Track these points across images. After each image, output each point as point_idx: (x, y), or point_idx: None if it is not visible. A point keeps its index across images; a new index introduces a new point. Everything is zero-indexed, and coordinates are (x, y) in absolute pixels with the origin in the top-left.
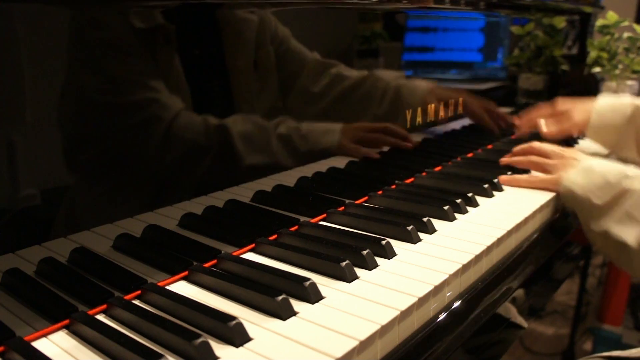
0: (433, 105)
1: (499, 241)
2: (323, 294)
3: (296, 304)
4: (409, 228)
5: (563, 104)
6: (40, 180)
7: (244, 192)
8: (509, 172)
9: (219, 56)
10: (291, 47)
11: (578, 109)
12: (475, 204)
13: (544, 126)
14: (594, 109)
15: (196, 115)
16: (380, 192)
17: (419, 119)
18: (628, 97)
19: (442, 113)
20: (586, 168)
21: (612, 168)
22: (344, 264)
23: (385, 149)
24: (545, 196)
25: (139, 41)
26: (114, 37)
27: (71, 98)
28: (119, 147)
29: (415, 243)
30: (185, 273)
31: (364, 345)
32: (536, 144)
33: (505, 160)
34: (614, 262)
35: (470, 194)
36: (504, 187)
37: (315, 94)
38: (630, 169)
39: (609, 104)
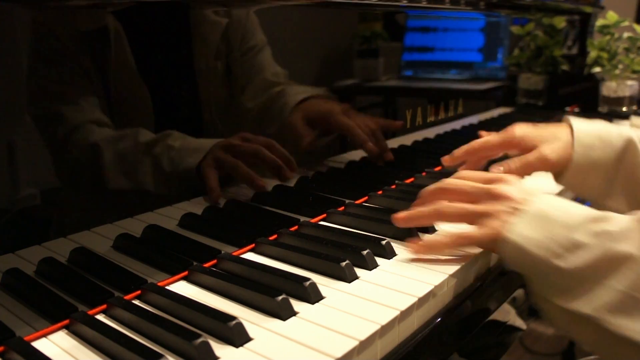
0: (428, 106)
1: None
2: (323, 294)
3: (296, 304)
4: (410, 228)
5: (520, 129)
6: (40, 180)
7: (244, 192)
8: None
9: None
10: (254, 60)
11: (547, 140)
12: None
13: (500, 165)
14: (576, 139)
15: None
16: (380, 192)
17: (419, 119)
18: (611, 127)
19: (442, 113)
20: (539, 215)
21: (575, 215)
22: (344, 264)
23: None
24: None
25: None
26: (58, 41)
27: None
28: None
29: None
30: (185, 273)
31: (364, 345)
32: (450, 182)
33: (401, 216)
34: (589, 349)
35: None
36: None
37: (248, 109)
38: (604, 217)
39: (594, 133)
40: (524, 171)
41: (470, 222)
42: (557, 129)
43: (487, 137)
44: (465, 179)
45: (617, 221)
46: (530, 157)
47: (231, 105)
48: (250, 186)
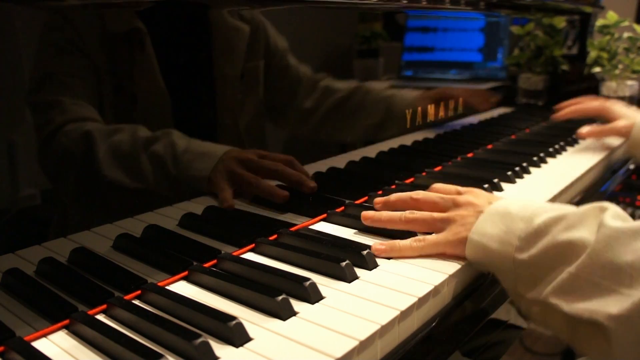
0: (432, 105)
1: None
2: (323, 294)
3: (296, 304)
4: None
5: (614, 103)
6: (40, 180)
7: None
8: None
9: (204, 62)
10: (288, 63)
11: (627, 115)
12: None
13: (584, 128)
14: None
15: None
16: (380, 192)
17: (419, 119)
18: None
19: (442, 113)
20: (500, 212)
21: (535, 209)
22: (344, 264)
23: (385, 147)
24: (559, 185)
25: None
26: (74, 40)
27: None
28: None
29: None
30: (185, 273)
31: (364, 345)
32: (421, 193)
33: (369, 215)
34: (563, 339)
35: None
36: (504, 185)
37: (307, 109)
38: (560, 208)
39: None
40: (601, 134)
41: (437, 231)
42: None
43: (588, 103)
44: (437, 191)
45: (574, 210)
46: (609, 126)
47: (293, 110)
48: (272, 199)
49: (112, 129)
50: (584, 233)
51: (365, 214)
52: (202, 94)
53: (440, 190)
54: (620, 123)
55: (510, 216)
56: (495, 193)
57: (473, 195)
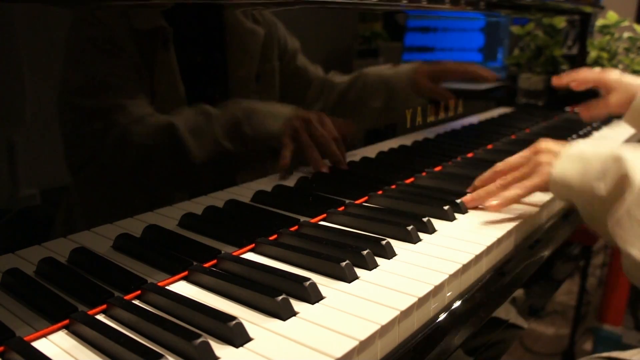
0: (428, 106)
1: (499, 241)
2: (323, 294)
3: (296, 304)
4: (409, 228)
5: (613, 74)
6: (40, 180)
7: (244, 192)
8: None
9: (219, 62)
10: (298, 64)
11: (622, 88)
12: None
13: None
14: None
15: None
16: (380, 192)
17: (419, 119)
18: None
19: (442, 113)
20: (576, 154)
21: (604, 150)
22: (344, 264)
23: (385, 147)
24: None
25: (136, 42)
26: (110, 37)
27: (64, 97)
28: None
29: (415, 243)
30: (185, 273)
31: (364, 345)
32: (498, 165)
33: (469, 199)
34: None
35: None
36: None
37: (321, 109)
38: (619, 149)
39: None
40: (598, 111)
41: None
42: (634, 82)
43: (588, 73)
44: (510, 161)
45: (627, 149)
46: (605, 101)
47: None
48: (313, 167)
49: (187, 113)
50: (634, 174)
51: (467, 198)
52: (217, 95)
53: (508, 161)
54: (612, 98)
55: (585, 157)
56: None
57: (546, 142)
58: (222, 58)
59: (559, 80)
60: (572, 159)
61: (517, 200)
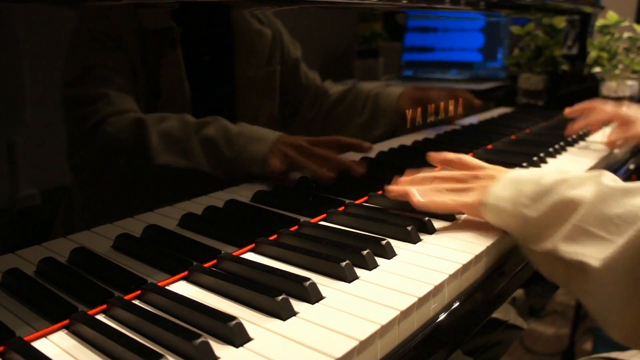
0: (428, 106)
1: (499, 241)
2: (323, 294)
3: (296, 304)
4: (409, 228)
5: (629, 109)
6: (40, 180)
7: (244, 192)
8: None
9: (224, 62)
10: (299, 72)
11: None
12: None
13: (607, 135)
14: None
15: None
16: (380, 192)
17: (419, 119)
18: None
19: (442, 113)
20: (512, 179)
21: (543, 174)
22: (344, 264)
23: (385, 147)
24: None
25: (137, 42)
26: (111, 37)
27: (64, 97)
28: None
29: (415, 243)
30: (185, 273)
31: (364, 345)
32: (441, 171)
33: (390, 189)
34: (563, 287)
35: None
36: None
37: (309, 118)
38: (566, 172)
39: None
40: (624, 143)
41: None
42: None
43: (599, 113)
44: (464, 163)
45: (577, 174)
46: (630, 132)
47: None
48: (320, 180)
49: (163, 116)
50: (584, 191)
51: (391, 187)
52: (223, 96)
53: (466, 164)
54: (638, 127)
55: (520, 181)
56: None
57: (494, 169)
58: (229, 59)
59: (575, 130)
60: (507, 183)
61: (445, 209)
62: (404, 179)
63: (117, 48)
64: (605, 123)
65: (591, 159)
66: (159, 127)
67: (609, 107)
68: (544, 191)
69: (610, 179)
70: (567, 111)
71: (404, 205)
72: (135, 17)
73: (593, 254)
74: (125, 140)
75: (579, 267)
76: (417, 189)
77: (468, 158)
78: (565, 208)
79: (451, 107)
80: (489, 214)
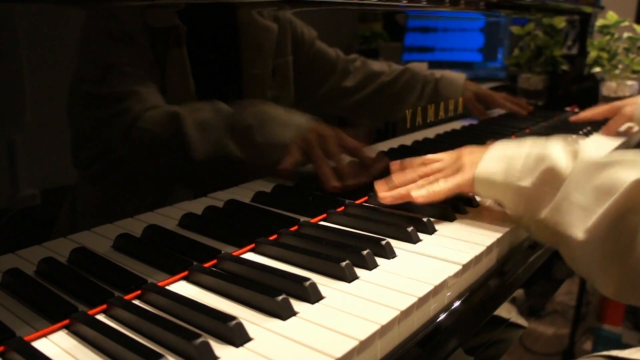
0: (428, 106)
1: (499, 242)
2: (323, 294)
3: (296, 304)
4: (409, 228)
5: (619, 101)
6: (40, 180)
7: (244, 192)
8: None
9: (232, 60)
10: (316, 50)
11: (628, 102)
12: (476, 204)
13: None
14: None
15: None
16: None
17: (419, 119)
18: None
19: (442, 113)
20: (499, 154)
21: (524, 147)
22: (344, 264)
23: (385, 147)
24: None
25: (138, 42)
26: (112, 36)
27: (64, 97)
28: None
29: (415, 243)
30: (185, 273)
31: (364, 345)
32: (421, 167)
33: (385, 196)
34: (557, 248)
35: (470, 195)
36: None
37: (349, 88)
38: (540, 147)
39: None
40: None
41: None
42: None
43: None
44: (433, 165)
45: (556, 149)
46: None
47: (330, 91)
48: (324, 184)
49: (197, 107)
50: (569, 164)
51: (383, 194)
52: (229, 93)
53: (429, 167)
54: (625, 110)
55: (508, 155)
56: None
57: (469, 148)
58: (236, 55)
59: (578, 119)
60: (495, 158)
61: (444, 194)
62: (394, 183)
63: (117, 49)
64: (604, 116)
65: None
66: (198, 118)
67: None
68: (533, 162)
69: (588, 154)
70: (574, 119)
71: (404, 206)
72: (134, 18)
73: (577, 224)
74: (150, 143)
75: (566, 237)
76: (411, 187)
77: (438, 155)
78: (554, 179)
79: (451, 106)
80: (481, 188)
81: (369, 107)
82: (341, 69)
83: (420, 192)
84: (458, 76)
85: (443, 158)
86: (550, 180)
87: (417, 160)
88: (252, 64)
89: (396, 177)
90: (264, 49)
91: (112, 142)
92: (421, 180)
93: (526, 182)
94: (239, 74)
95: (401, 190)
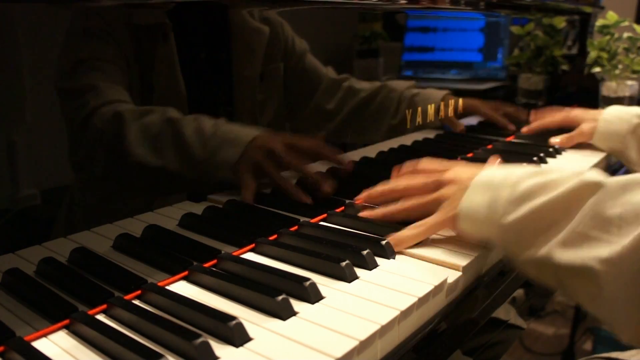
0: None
1: None
2: (323, 294)
3: (296, 304)
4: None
5: (575, 111)
6: (40, 180)
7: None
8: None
9: (222, 61)
10: (306, 65)
11: (587, 118)
12: None
13: (557, 138)
14: (601, 116)
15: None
16: None
17: (419, 119)
18: (636, 109)
19: (442, 113)
20: (484, 182)
21: (520, 174)
22: (344, 264)
23: (385, 147)
24: None
25: (139, 42)
26: (111, 36)
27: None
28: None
29: None
30: (185, 273)
31: (364, 345)
32: (395, 186)
33: (367, 214)
34: (562, 292)
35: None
36: None
37: (330, 110)
38: (545, 173)
39: (615, 112)
40: (570, 142)
41: (431, 212)
42: (596, 112)
43: (553, 116)
44: (422, 171)
45: (558, 175)
46: (575, 132)
47: (313, 110)
48: (295, 199)
49: (143, 110)
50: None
51: (363, 214)
52: (219, 93)
53: (425, 170)
54: (584, 127)
55: (494, 184)
56: None
57: (456, 171)
58: (227, 57)
59: (527, 131)
60: (479, 188)
61: (411, 243)
62: (361, 197)
63: (116, 49)
64: (557, 126)
65: (590, 159)
66: (139, 122)
67: (559, 113)
68: (522, 195)
69: (597, 175)
70: (526, 130)
71: None
72: (135, 18)
73: (595, 257)
74: (150, 143)
75: (580, 272)
76: (384, 212)
77: (423, 164)
78: (552, 212)
79: (451, 107)
80: (464, 225)
81: (348, 126)
82: (325, 88)
83: (394, 235)
84: (435, 93)
85: (430, 169)
86: (546, 214)
87: (408, 168)
88: (241, 66)
89: (376, 193)
90: (252, 51)
91: (105, 150)
92: (400, 204)
93: (512, 217)
94: (225, 76)
95: (378, 212)
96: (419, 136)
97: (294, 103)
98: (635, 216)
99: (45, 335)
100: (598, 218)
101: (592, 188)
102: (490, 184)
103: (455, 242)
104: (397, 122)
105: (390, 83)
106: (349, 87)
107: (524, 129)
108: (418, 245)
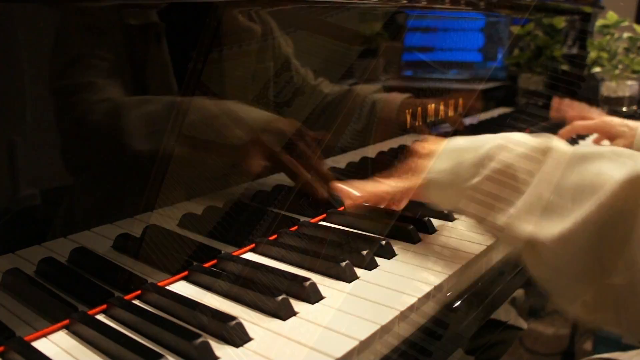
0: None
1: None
2: (323, 294)
3: (296, 304)
4: (409, 228)
5: (609, 119)
6: (40, 180)
7: (243, 192)
8: None
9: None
10: (294, 65)
11: (624, 133)
12: None
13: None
14: (638, 132)
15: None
16: None
17: (419, 119)
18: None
19: (442, 113)
20: (448, 149)
21: (484, 139)
22: (344, 264)
23: (385, 147)
24: None
25: (139, 42)
26: (111, 36)
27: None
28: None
29: (415, 243)
30: (185, 273)
31: (364, 345)
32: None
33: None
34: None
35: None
36: None
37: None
38: (508, 136)
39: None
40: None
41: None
42: (632, 124)
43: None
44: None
45: (519, 138)
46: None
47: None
48: (317, 198)
49: (144, 99)
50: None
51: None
52: (211, 93)
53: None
54: (619, 143)
55: (459, 149)
56: None
57: (427, 143)
58: (217, 56)
59: (562, 135)
60: (446, 155)
61: (384, 197)
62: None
63: (116, 49)
64: (592, 132)
65: None
66: (143, 109)
67: (593, 118)
68: (485, 157)
69: (562, 144)
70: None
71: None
72: (136, 18)
73: (546, 229)
74: (150, 142)
75: (532, 244)
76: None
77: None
78: (514, 175)
79: (452, 107)
80: (431, 192)
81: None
82: (304, 97)
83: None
84: (393, 97)
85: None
86: (506, 179)
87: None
88: (233, 65)
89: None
90: (244, 51)
91: (105, 150)
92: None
93: (476, 179)
94: (219, 75)
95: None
96: (419, 136)
97: (280, 103)
98: (591, 187)
99: (45, 335)
100: (556, 185)
101: (555, 153)
102: (455, 149)
103: (456, 242)
104: (361, 128)
105: (355, 87)
106: (319, 90)
107: (559, 134)
108: (418, 245)
